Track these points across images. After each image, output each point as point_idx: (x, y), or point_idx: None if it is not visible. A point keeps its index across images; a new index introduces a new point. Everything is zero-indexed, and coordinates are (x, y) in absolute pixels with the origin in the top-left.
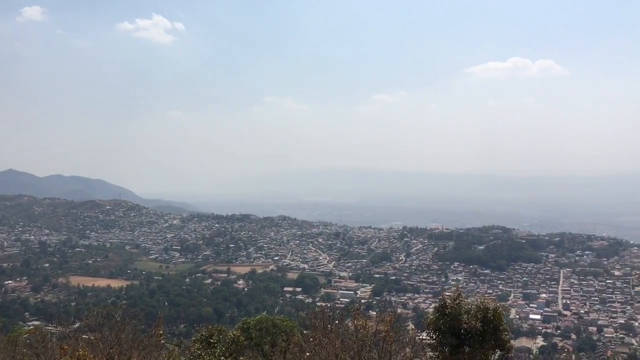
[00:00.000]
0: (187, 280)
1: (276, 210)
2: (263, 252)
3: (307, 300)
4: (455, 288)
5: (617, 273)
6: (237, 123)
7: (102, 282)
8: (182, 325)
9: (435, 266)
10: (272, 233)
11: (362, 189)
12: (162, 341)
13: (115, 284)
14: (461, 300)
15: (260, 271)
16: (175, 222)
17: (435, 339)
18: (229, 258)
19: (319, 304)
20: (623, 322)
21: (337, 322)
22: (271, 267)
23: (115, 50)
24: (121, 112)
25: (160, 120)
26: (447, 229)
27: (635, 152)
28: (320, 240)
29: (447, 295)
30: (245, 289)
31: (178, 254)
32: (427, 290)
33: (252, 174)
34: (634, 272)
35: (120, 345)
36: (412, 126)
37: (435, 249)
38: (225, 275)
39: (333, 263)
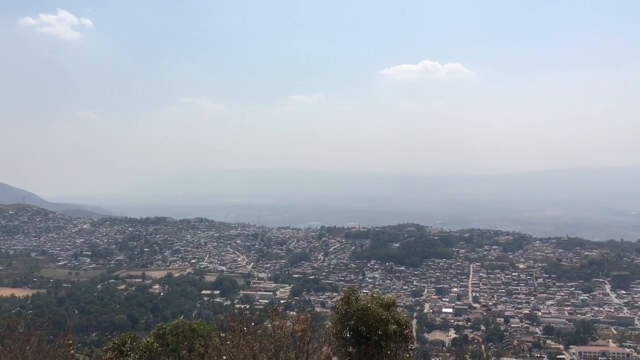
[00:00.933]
0: (99, 286)
1: (193, 213)
2: (180, 255)
3: (226, 303)
4: (349, 288)
5: (521, 266)
6: (152, 124)
7: (5, 292)
8: (93, 334)
9: (353, 264)
10: (189, 235)
11: (281, 189)
12: (72, 351)
13: (19, 293)
14: (358, 303)
15: (176, 275)
16: (85, 226)
17: (340, 344)
18: (143, 262)
19: (237, 306)
20: (527, 312)
21: (254, 323)
22: (188, 270)
23: (16, 47)
24: (25, 112)
25: (69, 120)
26: (364, 228)
27: (536, 151)
28: (238, 241)
29: (344, 296)
30: (161, 294)
31: (89, 260)
32: (345, 288)
33: (169, 177)
34: (536, 265)
35: (24, 358)
36: (329, 127)
37: (353, 247)
38: (140, 280)
39: (252, 264)
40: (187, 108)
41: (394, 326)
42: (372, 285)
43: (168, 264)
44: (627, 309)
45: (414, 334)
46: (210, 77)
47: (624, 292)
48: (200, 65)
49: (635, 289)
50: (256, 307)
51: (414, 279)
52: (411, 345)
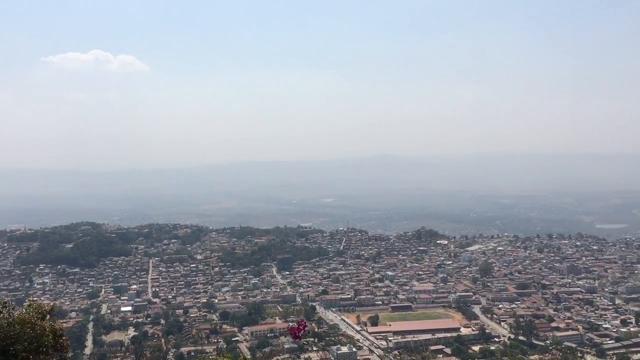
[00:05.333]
0: None
1: None
2: None
3: None
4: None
5: (199, 257)
6: None
7: None
8: None
9: (17, 271)
10: None
11: None
12: None
13: None
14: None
15: None
16: None
17: None
18: None
19: None
20: (205, 301)
21: None
22: None
23: None
24: None
25: None
26: (30, 230)
27: (213, 145)
28: None
29: None
30: None
31: None
32: (9, 298)
33: None
34: (213, 255)
35: None
36: None
37: (18, 252)
38: None
39: None
40: None
41: (49, 337)
42: (41, 292)
43: None
44: (290, 288)
45: (91, 337)
46: None
47: (287, 272)
48: None
49: (297, 269)
50: None
51: (90, 280)
52: (65, 354)
